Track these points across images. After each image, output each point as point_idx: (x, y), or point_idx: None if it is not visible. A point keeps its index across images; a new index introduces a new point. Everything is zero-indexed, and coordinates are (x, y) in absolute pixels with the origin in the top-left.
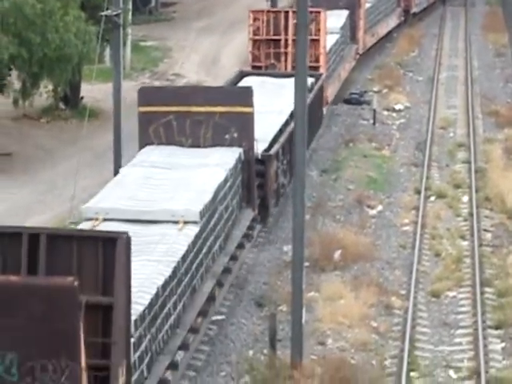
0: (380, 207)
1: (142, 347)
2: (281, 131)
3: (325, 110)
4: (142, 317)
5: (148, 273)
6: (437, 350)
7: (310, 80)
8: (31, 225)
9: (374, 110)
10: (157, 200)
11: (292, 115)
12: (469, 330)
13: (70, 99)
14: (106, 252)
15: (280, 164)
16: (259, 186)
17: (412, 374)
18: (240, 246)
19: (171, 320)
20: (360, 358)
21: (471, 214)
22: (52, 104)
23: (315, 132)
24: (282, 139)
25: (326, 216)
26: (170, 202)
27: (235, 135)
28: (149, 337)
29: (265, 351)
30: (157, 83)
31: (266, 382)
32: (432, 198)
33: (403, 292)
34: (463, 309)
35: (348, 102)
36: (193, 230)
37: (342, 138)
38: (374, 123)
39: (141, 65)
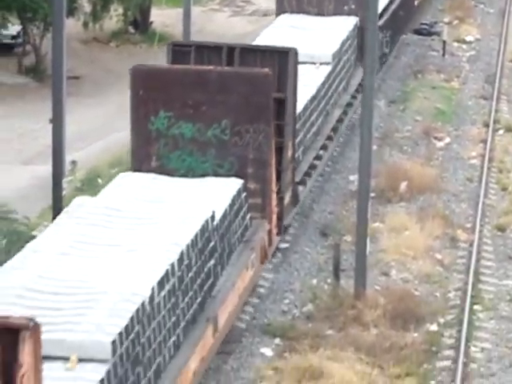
0: (448, 139)
1: (299, 137)
2: (385, 9)
3: (416, 2)
4: (299, 115)
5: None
6: (501, 284)
7: None
8: (96, 147)
9: (444, 42)
10: (297, 46)
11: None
12: None
13: (140, 24)
14: (281, 61)
15: (384, 36)
16: None
17: (475, 307)
18: (357, 91)
19: (314, 129)
20: (423, 289)
21: None
22: (121, 28)
23: (409, 20)
24: (386, 16)
25: (393, 147)
26: (308, 47)
27: (352, 7)
28: (304, 131)
29: (328, 281)
30: (226, 9)
31: (329, 310)
32: (500, 132)
33: (469, 225)
34: None
35: (418, 32)
36: (326, 69)
37: (410, 69)
38: (443, 54)
39: None
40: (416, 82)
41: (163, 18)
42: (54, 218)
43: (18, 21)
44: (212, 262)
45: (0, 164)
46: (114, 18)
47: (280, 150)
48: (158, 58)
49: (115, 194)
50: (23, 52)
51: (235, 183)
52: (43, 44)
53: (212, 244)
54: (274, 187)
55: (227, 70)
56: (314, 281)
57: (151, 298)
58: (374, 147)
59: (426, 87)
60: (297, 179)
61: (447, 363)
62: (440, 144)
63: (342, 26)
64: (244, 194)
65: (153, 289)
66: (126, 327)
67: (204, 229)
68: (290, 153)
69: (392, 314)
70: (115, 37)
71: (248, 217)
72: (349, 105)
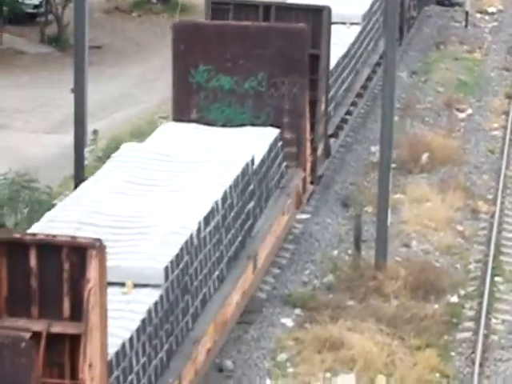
0: (469, 111)
1: (331, 92)
2: None
3: None
4: (332, 71)
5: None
6: None
7: None
8: (118, 118)
9: (467, 12)
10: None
11: None
12: None
13: None
14: (315, 19)
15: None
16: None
17: (496, 278)
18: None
19: (345, 85)
20: (444, 261)
21: None
22: None
23: None
24: None
25: (415, 118)
26: (339, 8)
27: None
28: (335, 87)
29: (349, 251)
30: None
31: (349, 281)
32: None
33: (490, 196)
34: None
35: (440, 3)
36: (356, 29)
37: (433, 40)
38: (466, 26)
39: None
40: (438, 53)
41: None
42: (75, 187)
43: None
44: (251, 204)
45: (22, 133)
46: None
47: (313, 104)
48: None
49: (160, 141)
50: (45, 21)
51: (272, 132)
52: (65, 13)
53: (251, 187)
54: (309, 137)
55: (264, 25)
56: (335, 252)
57: (198, 231)
58: (396, 118)
59: (448, 58)
60: (329, 132)
61: (468, 335)
62: (462, 115)
63: None
64: (280, 143)
65: (199, 223)
66: (177, 256)
67: (244, 172)
68: (322, 106)
69: (413, 285)
70: (137, 7)
71: (284, 165)
72: (377, 64)
